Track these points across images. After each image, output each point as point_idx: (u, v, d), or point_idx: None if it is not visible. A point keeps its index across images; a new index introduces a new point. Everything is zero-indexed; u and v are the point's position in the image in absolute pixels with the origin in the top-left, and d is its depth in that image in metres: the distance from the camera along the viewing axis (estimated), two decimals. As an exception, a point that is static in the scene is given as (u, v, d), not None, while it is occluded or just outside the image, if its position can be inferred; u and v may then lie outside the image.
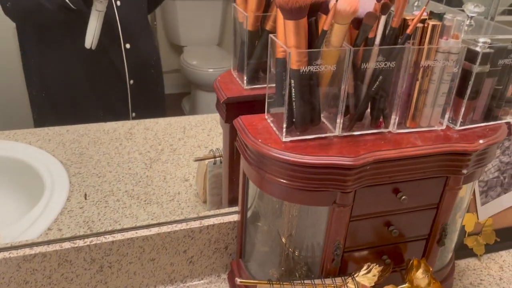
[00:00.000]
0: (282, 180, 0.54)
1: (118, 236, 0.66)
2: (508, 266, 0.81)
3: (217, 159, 0.83)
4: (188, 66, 2.38)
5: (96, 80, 1.18)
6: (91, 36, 1.03)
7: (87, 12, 1.00)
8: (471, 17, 0.61)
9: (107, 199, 0.88)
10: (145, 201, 0.89)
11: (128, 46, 1.16)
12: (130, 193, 0.91)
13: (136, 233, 0.67)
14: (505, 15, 1.13)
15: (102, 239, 0.65)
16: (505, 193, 0.81)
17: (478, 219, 0.81)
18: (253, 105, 0.65)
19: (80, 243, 0.64)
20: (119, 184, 0.93)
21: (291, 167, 0.53)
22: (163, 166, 1.00)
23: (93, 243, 0.65)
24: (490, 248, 0.83)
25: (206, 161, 0.85)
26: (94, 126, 1.12)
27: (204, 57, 2.49)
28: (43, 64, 1.16)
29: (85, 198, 0.84)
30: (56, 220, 0.81)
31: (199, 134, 1.13)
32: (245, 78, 0.67)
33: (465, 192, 0.68)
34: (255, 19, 0.63)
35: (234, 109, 0.66)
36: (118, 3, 1.10)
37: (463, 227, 0.80)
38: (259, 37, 0.65)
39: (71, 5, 0.98)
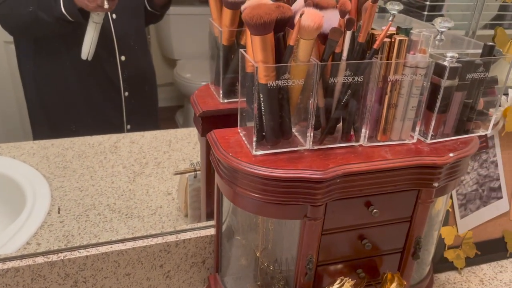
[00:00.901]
0: (253, 194, 0.54)
1: (93, 251, 0.65)
2: (489, 279, 0.81)
3: (197, 172, 0.83)
4: (181, 80, 2.40)
5: (92, 92, 1.18)
6: (88, 47, 1.04)
7: (84, 24, 1.02)
8: (441, 32, 0.62)
9: (88, 213, 0.88)
10: (126, 215, 0.89)
11: (123, 58, 1.17)
12: (112, 207, 0.91)
13: (111, 247, 0.66)
14: (487, 29, 1.14)
15: (76, 254, 0.65)
16: (484, 206, 0.81)
17: (457, 232, 0.81)
18: (229, 119, 0.65)
19: (53, 257, 0.64)
20: (101, 198, 0.93)
21: (261, 181, 0.53)
22: (146, 179, 1.00)
23: (67, 257, 0.64)
24: (471, 262, 0.82)
25: (187, 175, 0.85)
26: (80, 140, 1.12)
27: (197, 70, 2.51)
28: (39, 75, 1.17)
29: (58, 212, 0.84)
30: (35, 234, 0.81)
31: (185, 147, 1.13)
32: (221, 92, 0.67)
33: (441, 205, 0.68)
34: (229, 34, 0.64)
35: (210, 122, 0.66)
36: (114, 16, 1.12)
37: (443, 240, 0.80)
38: (234, 51, 0.66)
39: (69, 17, 1.00)
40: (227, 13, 0.62)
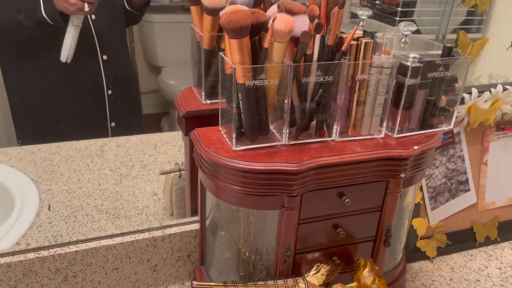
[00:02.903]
0: (233, 187, 0.58)
1: (82, 246, 0.68)
2: (459, 267, 0.86)
3: (182, 172, 0.86)
4: (166, 86, 2.43)
5: (75, 91, 1.20)
6: (67, 50, 1.06)
7: (64, 27, 1.04)
8: (406, 35, 0.67)
9: (76, 214, 0.91)
10: (113, 215, 0.92)
11: (105, 57, 1.19)
12: (99, 208, 0.93)
13: (100, 242, 0.69)
14: (456, 33, 1.20)
15: (66, 249, 0.68)
16: (453, 198, 0.87)
17: (429, 223, 0.86)
18: (211, 119, 0.69)
19: (44, 253, 0.67)
20: (89, 200, 0.96)
21: (241, 174, 0.57)
22: (132, 181, 1.03)
23: (57, 253, 0.67)
24: (442, 251, 0.87)
25: (172, 174, 0.88)
26: (66, 144, 1.15)
27: (182, 77, 2.53)
28: (21, 77, 1.18)
29: (49, 209, 0.86)
30: (24, 235, 0.83)
31: (170, 150, 1.16)
32: (203, 93, 0.71)
33: (410, 196, 0.73)
34: (210, 38, 0.68)
35: (193, 123, 0.70)
36: (93, 16, 1.14)
37: (415, 231, 0.84)
38: (215, 55, 0.70)
39: (49, 21, 1.02)
40: (207, 19, 0.66)
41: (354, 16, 0.76)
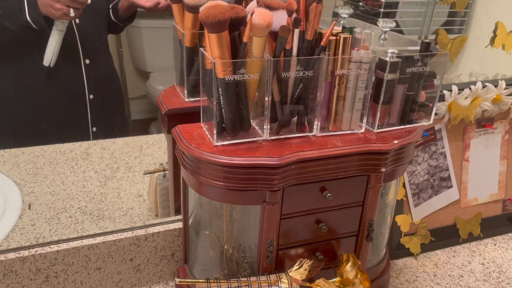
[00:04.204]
0: (215, 182, 0.58)
1: (63, 246, 0.68)
2: (442, 263, 0.87)
3: (166, 172, 0.86)
4: (154, 92, 2.43)
5: (56, 95, 1.19)
6: (51, 54, 1.05)
7: (48, 31, 1.03)
8: (385, 31, 0.68)
9: (59, 216, 0.90)
10: (97, 216, 0.91)
11: (87, 61, 1.19)
12: (83, 210, 0.92)
13: (82, 242, 0.69)
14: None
15: (47, 249, 0.67)
16: (436, 194, 0.87)
17: (412, 220, 0.86)
18: (194, 116, 0.69)
19: (25, 253, 0.66)
20: (73, 202, 0.95)
21: (222, 169, 0.57)
22: (117, 183, 1.02)
23: (38, 253, 0.66)
24: (426, 248, 0.88)
25: (156, 175, 0.88)
26: (51, 147, 1.14)
27: (170, 82, 2.53)
28: (2, 81, 1.17)
29: (29, 208, 0.85)
30: (6, 237, 0.82)
31: (156, 152, 1.16)
32: (186, 91, 0.72)
33: (392, 192, 0.73)
34: (192, 36, 0.68)
35: (176, 120, 0.70)
36: (77, 21, 1.14)
37: (399, 227, 0.85)
38: (197, 53, 0.70)
39: (33, 25, 1.01)
40: (188, 16, 0.66)
41: (336, 15, 0.76)
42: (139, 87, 2.74)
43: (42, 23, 1.01)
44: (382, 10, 1.11)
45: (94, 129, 1.26)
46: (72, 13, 0.99)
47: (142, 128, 2.58)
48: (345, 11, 0.74)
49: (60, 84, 1.18)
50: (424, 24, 1.15)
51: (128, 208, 0.94)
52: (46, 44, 1.05)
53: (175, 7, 0.70)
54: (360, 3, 1.19)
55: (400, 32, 1.16)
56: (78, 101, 1.22)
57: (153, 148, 1.18)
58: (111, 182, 1.02)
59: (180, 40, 0.71)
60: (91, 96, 1.22)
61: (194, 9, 0.65)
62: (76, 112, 1.23)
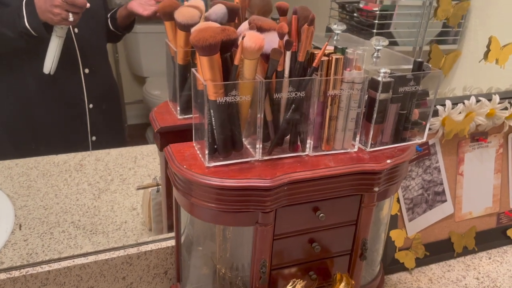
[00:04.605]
0: (207, 204, 0.57)
1: (55, 265, 0.67)
2: (437, 278, 0.86)
3: (159, 187, 0.86)
4: (150, 97, 2.42)
5: (56, 104, 1.19)
6: (51, 61, 1.04)
7: (47, 38, 1.02)
8: (378, 49, 0.67)
9: (52, 231, 0.89)
10: (91, 231, 0.90)
11: (87, 71, 1.18)
12: (76, 224, 0.92)
13: (73, 261, 0.68)
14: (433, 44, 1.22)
15: (39, 269, 0.66)
16: (430, 209, 0.87)
17: (407, 234, 0.86)
18: (187, 134, 0.68)
19: (16, 273, 0.65)
20: (66, 216, 0.94)
21: (214, 191, 0.56)
22: (111, 196, 1.02)
23: (29, 273, 0.66)
24: (420, 262, 0.88)
25: (150, 189, 0.87)
26: (44, 159, 1.13)
27: (166, 87, 2.54)
28: (1, 89, 1.17)
29: (20, 229, 0.85)
30: (-2, 253, 0.81)
31: (150, 163, 1.15)
32: (179, 108, 0.71)
33: (387, 208, 0.73)
34: (184, 54, 0.68)
35: (169, 138, 0.70)
36: (76, 30, 1.14)
37: (393, 242, 0.85)
38: (190, 70, 0.70)
39: (32, 32, 1.00)
40: (181, 34, 0.66)
41: (329, 30, 0.76)
42: (135, 92, 2.74)
43: (41, 29, 1.00)
44: (376, 21, 1.11)
45: (94, 138, 1.25)
46: (71, 18, 0.98)
47: (138, 133, 2.58)
48: (338, 27, 0.74)
49: (59, 93, 1.17)
50: (418, 35, 1.15)
51: (122, 222, 0.94)
52: (45, 52, 1.04)
53: (167, 24, 0.69)
54: (355, 14, 1.19)
55: (395, 43, 1.16)
56: (77, 111, 1.21)
57: (148, 159, 1.17)
58: (105, 195, 1.02)
59: (172, 57, 0.71)
60: (91, 106, 1.22)
61: (186, 28, 0.64)
62: (75, 122, 1.23)
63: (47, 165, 1.11)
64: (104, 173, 1.10)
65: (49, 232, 0.89)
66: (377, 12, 1.12)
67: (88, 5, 0.98)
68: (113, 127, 1.37)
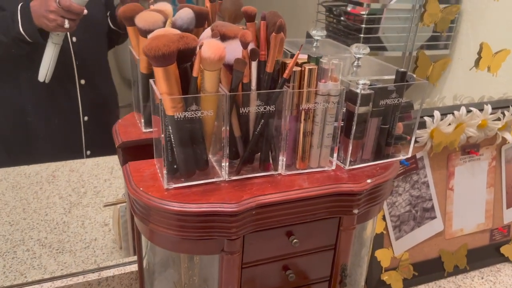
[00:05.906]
0: (166, 230, 0.52)
1: (5, 294, 0.61)
2: (426, 300, 0.81)
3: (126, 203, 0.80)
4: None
5: (49, 116, 1.13)
6: (46, 69, 0.99)
7: (42, 44, 0.97)
8: (358, 58, 0.62)
9: (16, 249, 0.84)
10: (57, 250, 0.85)
11: (83, 82, 1.13)
12: (43, 242, 0.86)
13: (26, 289, 0.62)
14: (424, 49, 1.17)
15: (-14, 299, 0.60)
16: (418, 226, 0.82)
17: (394, 254, 0.80)
18: (151, 149, 0.63)
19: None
20: (32, 232, 0.89)
21: (173, 216, 0.51)
22: (83, 210, 0.96)
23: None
24: (408, 283, 0.82)
25: (119, 206, 0.82)
26: (15, 170, 1.08)
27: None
28: None
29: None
30: (-45, 276, 0.76)
31: (127, 174, 1.10)
32: (143, 120, 0.66)
33: (370, 227, 0.67)
34: (147, 62, 0.62)
35: (132, 153, 0.64)
36: (74, 39, 1.08)
37: (379, 263, 0.79)
38: (155, 80, 0.64)
39: (27, 38, 0.95)
40: (143, 41, 0.60)
41: (309, 36, 0.71)
42: (125, 96, 2.67)
43: (36, 35, 0.95)
44: (363, 26, 1.06)
45: (88, 152, 1.19)
46: (67, 25, 0.92)
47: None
48: (317, 33, 0.68)
49: (53, 104, 1.12)
50: (408, 40, 1.09)
51: (92, 240, 0.88)
52: (40, 61, 0.98)
53: (130, 30, 0.64)
54: (342, 18, 1.14)
55: (383, 48, 1.11)
56: (72, 123, 1.15)
57: (125, 170, 1.12)
58: (76, 209, 0.96)
59: (136, 66, 0.65)
60: (86, 118, 1.16)
61: (148, 34, 0.59)
62: (69, 134, 1.17)
63: (18, 176, 1.06)
64: (78, 185, 1.05)
65: (12, 251, 0.83)
66: (364, 16, 1.06)
67: (85, 11, 0.93)
68: (110, 140, 1.31)
